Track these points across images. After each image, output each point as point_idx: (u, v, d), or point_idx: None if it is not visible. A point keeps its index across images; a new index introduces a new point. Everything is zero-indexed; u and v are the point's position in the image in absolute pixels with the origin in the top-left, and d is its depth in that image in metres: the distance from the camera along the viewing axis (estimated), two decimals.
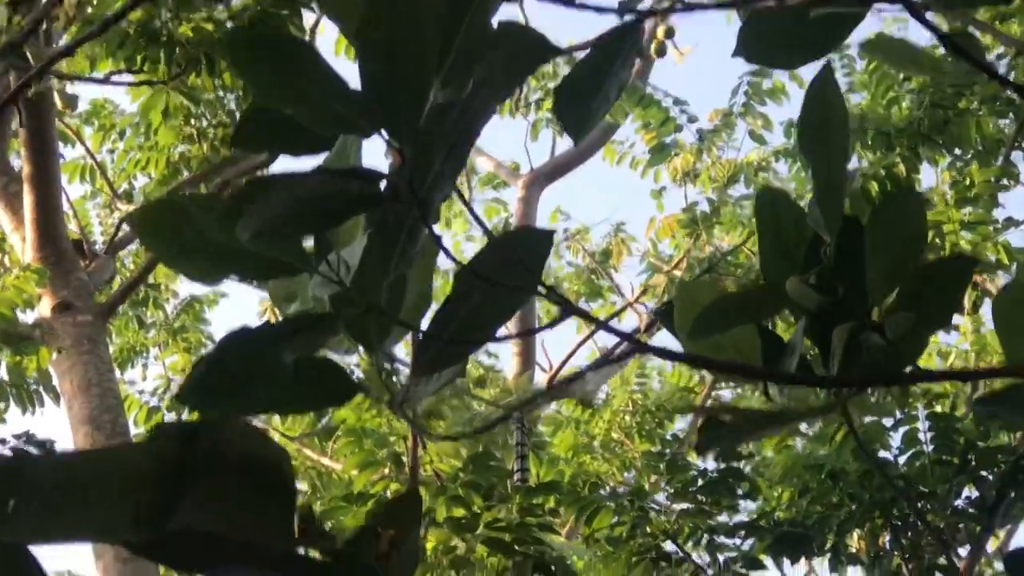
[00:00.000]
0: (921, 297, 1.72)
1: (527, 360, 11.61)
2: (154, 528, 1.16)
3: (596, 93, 1.63)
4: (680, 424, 10.00)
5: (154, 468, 1.17)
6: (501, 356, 11.98)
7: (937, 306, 1.73)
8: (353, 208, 1.51)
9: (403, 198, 1.44)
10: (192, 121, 6.29)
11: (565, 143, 12.56)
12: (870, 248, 1.57)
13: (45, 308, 7.60)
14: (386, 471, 5.40)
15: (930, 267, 1.75)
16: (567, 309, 1.82)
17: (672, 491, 5.52)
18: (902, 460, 5.43)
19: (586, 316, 4.57)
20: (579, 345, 10.96)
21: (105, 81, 4.65)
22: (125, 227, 8.68)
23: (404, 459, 5.41)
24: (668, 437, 7.61)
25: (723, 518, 5.63)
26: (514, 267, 1.70)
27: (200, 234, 1.52)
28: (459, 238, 15.20)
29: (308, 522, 1.16)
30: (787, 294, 1.58)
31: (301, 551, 1.20)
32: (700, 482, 5.46)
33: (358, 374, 4.61)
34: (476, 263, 1.75)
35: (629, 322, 12.22)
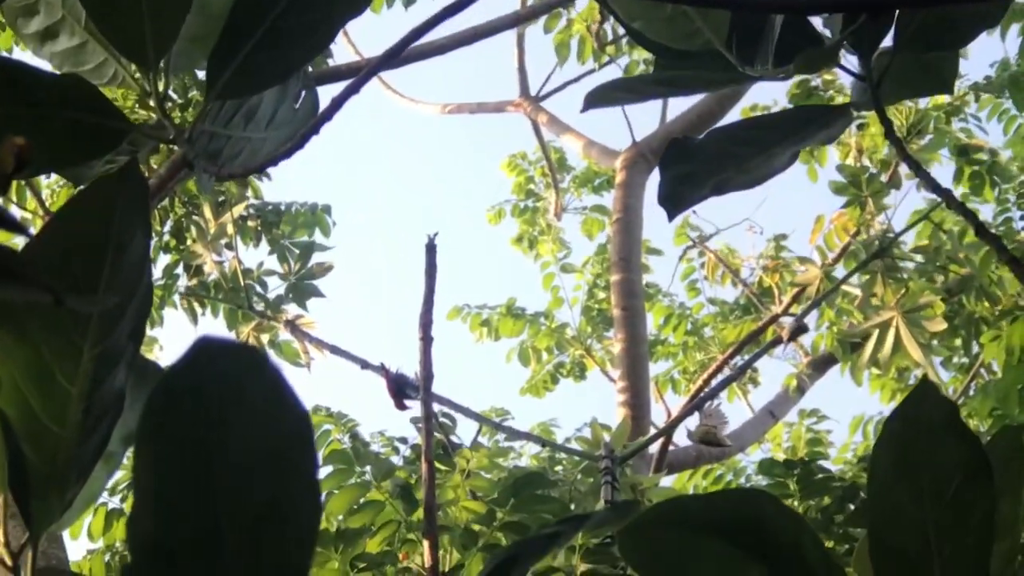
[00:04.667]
0: None
1: (638, 411, 8.08)
2: None
3: None
4: None
5: None
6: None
7: None
8: None
9: None
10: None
11: (679, 105, 8.69)
12: None
13: None
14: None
15: None
16: None
17: None
18: None
19: None
20: (704, 382, 7.93)
21: None
22: None
23: (416, 494, 3.72)
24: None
25: None
26: None
27: None
28: (552, 269, 10.18)
29: None
30: None
31: None
32: None
33: None
34: None
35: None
